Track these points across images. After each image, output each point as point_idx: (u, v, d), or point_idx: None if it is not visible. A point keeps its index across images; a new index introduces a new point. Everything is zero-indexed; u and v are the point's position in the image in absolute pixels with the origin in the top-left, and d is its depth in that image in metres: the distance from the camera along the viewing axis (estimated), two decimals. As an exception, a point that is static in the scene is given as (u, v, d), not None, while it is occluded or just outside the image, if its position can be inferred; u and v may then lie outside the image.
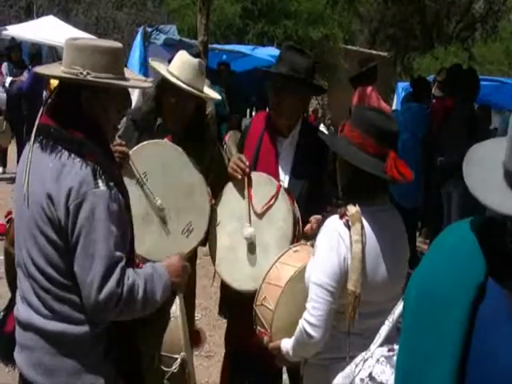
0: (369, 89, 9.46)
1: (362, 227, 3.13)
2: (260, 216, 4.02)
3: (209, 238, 4.18)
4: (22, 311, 3.06)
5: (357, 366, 2.62)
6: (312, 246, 3.44)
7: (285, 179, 4.17)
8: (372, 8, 25.11)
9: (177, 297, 3.24)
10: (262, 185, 4.03)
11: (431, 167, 8.80)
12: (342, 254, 3.13)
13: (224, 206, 4.16)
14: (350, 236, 3.11)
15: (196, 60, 4.33)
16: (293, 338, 3.35)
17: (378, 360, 2.54)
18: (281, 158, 4.22)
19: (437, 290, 1.91)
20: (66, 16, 27.34)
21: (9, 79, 12.98)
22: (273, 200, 3.97)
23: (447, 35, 27.56)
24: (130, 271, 2.91)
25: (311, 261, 3.29)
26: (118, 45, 3.18)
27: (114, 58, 3.09)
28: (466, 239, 1.87)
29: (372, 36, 27.03)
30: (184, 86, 4.16)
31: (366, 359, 2.59)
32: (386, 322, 2.68)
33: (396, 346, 2.51)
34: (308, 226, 3.90)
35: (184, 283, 3.32)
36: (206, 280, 8.44)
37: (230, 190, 4.14)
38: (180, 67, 4.24)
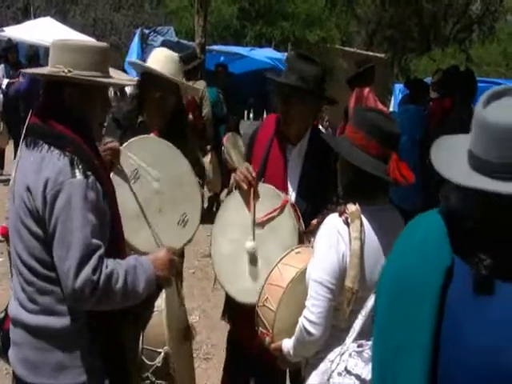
0: (366, 90, 9.45)
1: (362, 225, 3.15)
2: (263, 228, 3.97)
3: (211, 244, 4.16)
4: (12, 308, 3.13)
5: (333, 361, 2.68)
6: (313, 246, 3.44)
7: (292, 189, 4.13)
8: (369, 10, 25.13)
9: (163, 291, 3.23)
10: (269, 198, 3.98)
11: (429, 169, 8.80)
12: (340, 251, 3.15)
13: (228, 214, 4.14)
14: (349, 233, 3.13)
15: (176, 54, 4.49)
16: (293, 337, 3.36)
17: (350, 354, 2.62)
18: (289, 167, 4.16)
19: (408, 279, 1.99)
20: (64, 17, 27.31)
21: (5, 81, 12.96)
22: (276, 212, 3.92)
23: (444, 37, 27.58)
24: (110, 261, 2.93)
25: (311, 260, 3.31)
26: (102, 44, 3.31)
27: (97, 56, 3.17)
28: (432, 228, 1.98)
29: (369, 37, 27.05)
30: (172, 77, 4.24)
31: (342, 353, 2.66)
32: (360, 316, 2.76)
33: (365, 342, 2.62)
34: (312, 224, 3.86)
35: (171, 277, 3.32)
36: (205, 282, 8.47)
37: (235, 198, 4.10)
38: (162, 61, 4.32)
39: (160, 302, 3.19)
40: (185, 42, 17.22)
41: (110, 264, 2.92)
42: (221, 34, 28.82)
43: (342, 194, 3.39)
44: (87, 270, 2.82)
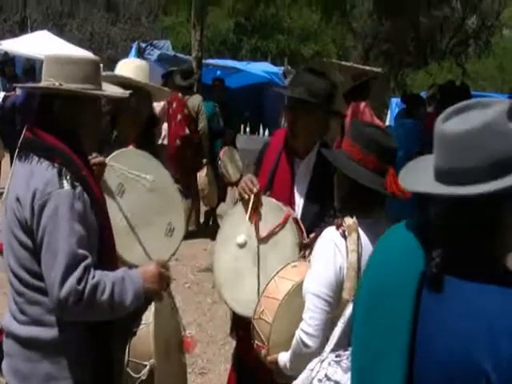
0: (362, 104, 9.46)
1: (359, 237, 3.16)
2: (264, 242, 3.96)
3: (213, 255, 4.19)
4: (5, 319, 3.14)
5: (313, 370, 2.70)
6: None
7: (299, 202, 4.12)
8: (366, 24, 25.21)
9: (152, 304, 3.20)
10: (271, 211, 3.96)
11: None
12: (338, 264, 3.15)
13: (229, 228, 4.13)
14: (347, 246, 3.14)
15: (144, 62, 4.55)
16: (290, 349, 3.35)
17: (329, 363, 2.65)
18: (296, 180, 4.14)
19: (383, 286, 2.05)
20: (60, 31, 27.38)
21: (2, 94, 12.96)
22: (278, 228, 3.90)
23: (441, 51, 27.66)
24: (97, 272, 2.93)
25: (309, 273, 3.30)
26: (93, 57, 3.32)
27: (88, 68, 3.21)
28: (407, 237, 2.05)
29: (365, 52, 27.11)
30: (150, 84, 4.31)
31: (323, 360, 2.69)
32: (339, 324, 2.78)
33: (343, 352, 2.65)
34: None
35: (161, 291, 3.30)
36: (200, 296, 8.47)
37: (238, 209, 4.09)
38: (134, 70, 4.31)
39: (148, 315, 3.18)
40: (181, 55, 17.26)
41: (97, 275, 2.92)
42: (217, 49, 28.91)
43: (338, 207, 3.40)
44: (72, 281, 2.83)
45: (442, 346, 1.87)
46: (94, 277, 2.90)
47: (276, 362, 3.48)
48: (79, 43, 23.12)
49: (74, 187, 2.94)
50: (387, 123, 14.07)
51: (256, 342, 3.66)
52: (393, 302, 1.99)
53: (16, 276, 3.02)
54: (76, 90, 3.13)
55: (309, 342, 3.19)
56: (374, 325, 2.06)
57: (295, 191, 4.14)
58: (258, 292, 3.88)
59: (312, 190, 4.11)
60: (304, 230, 3.90)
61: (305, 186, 4.13)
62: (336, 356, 2.65)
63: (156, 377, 3.15)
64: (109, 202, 3.83)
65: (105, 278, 2.95)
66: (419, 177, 2.02)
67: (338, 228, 3.20)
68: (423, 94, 11.66)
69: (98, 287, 2.90)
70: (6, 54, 14.81)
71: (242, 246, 4.01)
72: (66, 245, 2.86)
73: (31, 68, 13.51)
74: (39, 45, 18.29)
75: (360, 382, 2.13)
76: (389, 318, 2.00)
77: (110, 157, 3.96)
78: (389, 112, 17.11)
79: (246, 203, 4.01)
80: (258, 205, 3.97)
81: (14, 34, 26.06)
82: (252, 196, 3.94)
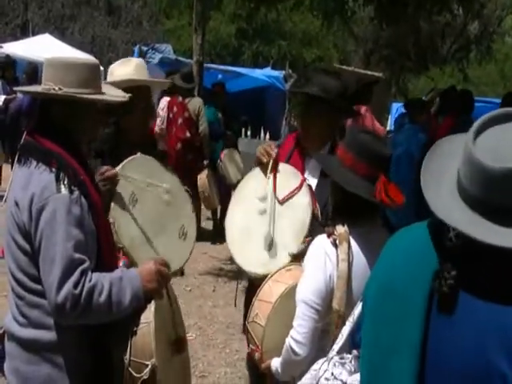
0: (363, 109, 9.45)
1: (349, 247, 3.16)
2: (281, 203, 4.00)
3: (227, 215, 4.24)
4: (7, 321, 3.15)
5: (319, 369, 2.70)
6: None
7: None
8: (367, 29, 25.19)
9: (152, 302, 3.19)
10: (288, 174, 4.02)
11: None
12: (327, 273, 3.16)
13: (246, 188, 4.21)
14: (337, 255, 3.14)
15: (141, 60, 4.50)
16: (281, 356, 3.37)
17: (334, 364, 2.66)
18: (306, 178, 4.16)
19: (395, 282, 2.04)
20: (62, 34, 27.39)
21: (2, 97, 12.94)
22: (296, 191, 3.95)
23: (442, 56, 27.63)
24: (94, 274, 2.93)
25: (300, 279, 3.31)
26: (93, 60, 3.32)
27: (87, 72, 3.22)
28: (419, 238, 2.03)
29: (367, 57, 27.10)
30: (158, 80, 4.28)
31: (331, 358, 2.69)
32: (347, 323, 2.75)
33: (346, 355, 2.66)
34: None
35: (161, 289, 3.28)
36: (201, 300, 8.46)
37: (255, 173, 4.16)
38: (137, 69, 4.28)
39: (148, 314, 3.17)
40: (183, 59, 17.26)
41: (94, 277, 2.92)
42: (219, 53, 28.92)
43: (330, 214, 3.40)
44: (68, 286, 2.84)
45: (455, 345, 1.87)
46: (90, 280, 2.90)
47: (270, 368, 3.51)
48: (81, 47, 23.12)
49: (71, 192, 2.96)
50: (388, 128, 14.05)
51: (250, 345, 3.68)
52: (405, 298, 1.99)
53: (16, 279, 3.03)
54: (75, 94, 3.13)
55: (298, 349, 3.21)
56: (385, 320, 2.06)
57: None
58: (269, 251, 3.94)
59: (320, 187, 4.13)
60: (316, 199, 3.96)
61: (313, 183, 4.16)
62: (340, 358, 2.65)
63: (158, 376, 3.14)
64: (125, 215, 3.84)
65: (102, 280, 2.95)
66: (448, 201, 1.92)
67: (329, 236, 3.21)
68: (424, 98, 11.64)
69: (94, 290, 2.90)
70: (7, 56, 14.80)
71: (256, 205, 4.07)
72: (63, 250, 2.87)
73: (34, 71, 13.46)
74: (41, 48, 18.29)
75: (371, 378, 2.13)
76: (400, 313, 1.99)
77: (120, 166, 3.94)
78: (390, 117, 17.10)
79: (263, 167, 4.07)
80: (275, 168, 4.02)
81: (15, 37, 26.07)
82: (271, 160, 4.00)
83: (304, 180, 3.97)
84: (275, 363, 3.46)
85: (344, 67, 21.52)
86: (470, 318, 1.85)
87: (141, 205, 3.95)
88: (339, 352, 2.74)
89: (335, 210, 3.40)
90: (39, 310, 2.99)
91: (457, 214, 1.86)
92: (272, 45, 30.71)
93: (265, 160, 4.04)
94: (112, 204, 3.80)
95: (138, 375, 3.11)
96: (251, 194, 4.13)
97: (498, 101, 15.05)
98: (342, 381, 2.57)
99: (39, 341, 3.01)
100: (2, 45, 19.29)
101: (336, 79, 4.13)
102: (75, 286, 2.84)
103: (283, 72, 18.40)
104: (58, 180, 2.95)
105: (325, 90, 4.04)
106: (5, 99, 12.86)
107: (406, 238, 2.12)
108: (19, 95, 12.49)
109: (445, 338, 1.89)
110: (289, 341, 3.26)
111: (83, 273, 2.88)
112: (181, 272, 4.26)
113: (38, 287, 2.96)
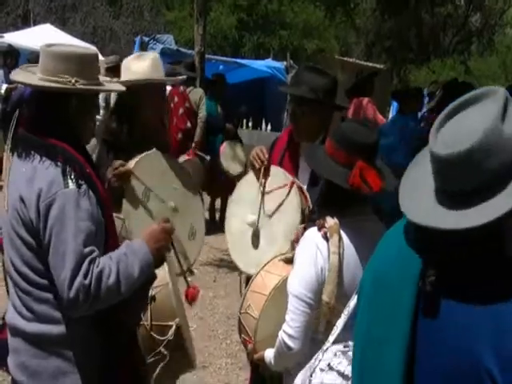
0: (365, 100, 9.46)
1: (340, 239, 3.15)
2: (271, 206, 4.08)
3: (225, 222, 4.36)
4: (9, 316, 3.13)
5: (316, 358, 2.70)
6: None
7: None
8: (368, 20, 25.18)
9: (165, 263, 3.24)
10: (278, 178, 4.07)
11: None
12: (319, 266, 3.15)
13: (240, 193, 4.32)
14: (328, 248, 3.13)
15: (157, 54, 4.45)
16: (274, 348, 3.38)
17: (335, 354, 2.66)
18: (300, 173, 4.24)
19: (386, 276, 2.07)
20: (63, 25, 27.30)
21: (4, 86, 12.90)
22: (284, 188, 4.01)
23: (443, 48, 27.63)
24: (100, 259, 2.93)
25: (291, 273, 3.32)
26: (94, 50, 3.29)
27: (94, 64, 3.20)
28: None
29: (368, 48, 27.08)
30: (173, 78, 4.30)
31: (326, 350, 2.69)
32: (342, 315, 2.75)
33: (351, 343, 2.60)
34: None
35: (168, 242, 3.33)
36: (202, 290, 8.44)
37: (248, 178, 4.27)
38: (153, 65, 4.26)
39: (164, 275, 3.20)
40: (184, 50, 17.24)
41: (101, 262, 2.92)
42: (220, 44, 28.87)
43: (318, 205, 3.42)
44: (79, 279, 2.84)
45: (444, 341, 1.88)
46: (98, 265, 2.90)
47: (263, 359, 3.51)
48: (82, 37, 23.04)
49: (79, 186, 2.94)
50: (390, 119, 14.03)
51: (243, 336, 3.69)
52: (394, 292, 2.01)
53: (20, 274, 3.01)
54: (93, 87, 3.12)
55: (291, 343, 3.21)
56: (377, 311, 2.08)
57: (299, 179, 4.20)
58: (260, 253, 4.05)
59: (313, 183, 4.13)
60: (308, 198, 4.00)
61: (306, 179, 4.19)
62: (344, 346, 2.65)
63: (184, 334, 3.22)
64: (138, 210, 3.85)
65: (108, 262, 2.95)
66: (420, 201, 1.96)
67: (319, 229, 3.20)
68: (425, 91, 11.61)
69: (102, 274, 2.90)
70: (9, 46, 14.76)
71: (248, 209, 4.18)
72: (74, 246, 2.86)
73: (38, 61, 13.42)
74: (42, 38, 18.24)
75: (361, 365, 2.15)
76: (391, 305, 2.01)
77: (133, 161, 3.93)
78: (391, 108, 17.08)
79: (256, 172, 4.16)
80: (266, 170, 4.10)
81: (16, 27, 25.96)
82: (262, 167, 4.10)
83: (293, 182, 4.01)
84: (269, 354, 3.47)
85: (345, 58, 21.53)
86: (453, 317, 1.86)
87: (154, 201, 3.96)
88: (337, 341, 2.75)
89: (323, 201, 3.41)
90: (46, 305, 2.98)
91: (420, 209, 1.93)
92: (273, 36, 30.65)
93: (257, 166, 4.12)
94: (124, 200, 3.81)
95: (163, 338, 3.14)
96: (245, 200, 4.25)
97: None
98: (338, 371, 2.58)
99: (47, 335, 3.00)
100: (3, 34, 19.25)
101: (324, 77, 4.15)
102: (85, 276, 2.85)
103: (284, 63, 18.39)
104: (64, 175, 2.92)
105: (312, 89, 4.06)
106: (6, 88, 12.81)
107: (399, 232, 2.11)
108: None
109: (432, 335, 1.91)
110: (281, 335, 3.26)
111: (91, 261, 2.89)
112: (190, 271, 4.29)
113: (45, 282, 2.96)
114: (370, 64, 20.15)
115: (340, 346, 2.67)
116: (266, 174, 4.11)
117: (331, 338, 2.76)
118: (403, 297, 1.97)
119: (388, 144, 8.48)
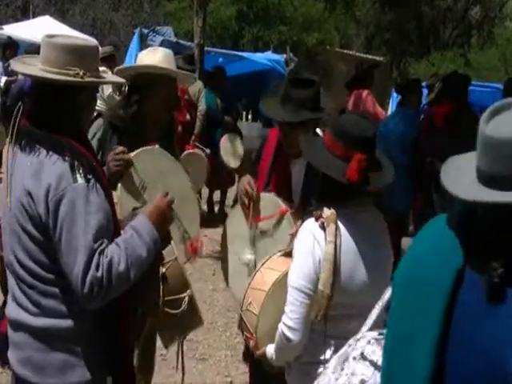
0: (364, 93, 9.46)
1: (337, 228, 3.15)
2: (264, 237, 4.07)
3: (221, 256, 4.36)
4: (11, 310, 3.13)
5: (350, 346, 2.66)
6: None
7: (296, 198, 4.21)
8: (369, 13, 25.13)
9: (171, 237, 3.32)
10: (271, 208, 4.05)
11: (424, 173, 8.70)
12: (316, 256, 3.17)
13: (232, 227, 4.28)
14: (325, 238, 3.14)
15: (170, 50, 4.48)
16: (274, 342, 3.39)
17: (369, 341, 2.60)
18: (293, 177, 4.25)
19: (420, 273, 2.07)
20: (63, 16, 27.25)
21: (3, 78, 12.87)
22: (274, 219, 4.01)
23: (443, 41, 27.59)
24: (108, 248, 2.95)
25: (291, 265, 3.32)
26: (95, 41, 3.28)
27: (97, 55, 3.21)
28: (445, 232, 2.04)
29: (368, 40, 27.05)
30: (184, 73, 4.44)
31: (359, 339, 2.64)
32: (376, 306, 2.73)
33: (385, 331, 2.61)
34: None
35: (170, 215, 3.41)
36: (201, 283, 8.48)
37: (237, 212, 4.25)
38: (164, 58, 4.28)
39: (171, 249, 3.26)
40: (184, 42, 17.19)
41: (109, 251, 2.95)
42: (219, 36, 28.80)
43: (317, 197, 3.42)
44: (91, 272, 2.86)
45: (480, 348, 1.88)
46: (107, 255, 2.92)
47: (265, 355, 3.53)
48: (81, 29, 22.99)
49: (87, 180, 2.94)
50: (389, 112, 14.02)
51: (245, 333, 3.70)
52: (427, 290, 2.01)
53: (25, 268, 3.01)
54: (99, 80, 3.14)
55: (290, 335, 3.22)
56: (408, 308, 2.09)
57: (292, 187, 4.25)
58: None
59: (307, 185, 4.17)
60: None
61: (300, 183, 4.21)
62: (379, 334, 2.61)
63: (194, 300, 3.34)
64: (128, 195, 3.84)
65: (116, 249, 2.97)
66: (461, 177, 2.00)
67: (317, 219, 3.21)
68: (424, 84, 11.56)
69: (112, 262, 2.92)
70: (9, 38, 14.73)
71: (242, 246, 4.18)
72: (85, 240, 2.87)
73: (37, 52, 13.38)
74: (41, 30, 18.20)
75: (390, 360, 2.17)
76: (422, 304, 2.02)
77: (134, 154, 3.93)
78: (391, 100, 17.05)
79: (246, 207, 4.15)
80: (255, 207, 4.09)
81: (16, 19, 25.92)
82: (251, 202, 4.10)
83: (285, 210, 4.00)
84: (270, 350, 3.48)
85: (345, 51, 21.51)
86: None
87: (150, 194, 3.95)
88: (376, 325, 2.72)
89: (321, 193, 3.41)
90: (53, 299, 3.00)
91: (464, 187, 1.96)
92: (272, 30, 30.57)
93: (246, 202, 4.12)
94: (119, 185, 3.81)
95: (177, 311, 3.23)
96: (237, 234, 4.25)
97: (499, 86, 15.06)
98: (371, 361, 2.52)
99: (55, 329, 3.01)
100: (3, 26, 19.22)
101: (310, 88, 4.14)
102: (97, 268, 2.87)
103: (284, 56, 18.35)
104: (73, 169, 2.92)
105: (301, 106, 4.07)
106: (6, 80, 12.77)
107: (435, 230, 2.13)
108: (20, 76, 12.40)
109: (468, 337, 1.92)
110: (281, 327, 3.27)
111: (101, 253, 2.91)
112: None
113: (51, 276, 2.97)
114: (370, 56, 20.15)
115: (374, 333, 2.62)
116: (256, 208, 4.10)
117: (364, 329, 2.72)
118: (432, 299, 1.98)
119: (387, 137, 8.49)
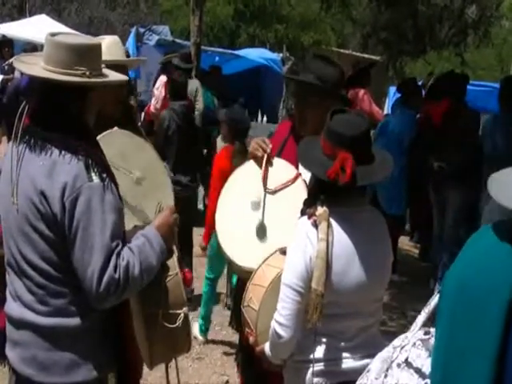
0: (361, 92, 9.47)
1: (329, 226, 3.15)
2: (273, 196, 3.97)
3: (216, 213, 4.14)
4: (14, 309, 3.10)
5: (395, 350, 2.61)
6: None
7: None
8: (365, 12, 25.13)
9: (174, 251, 3.31)
10: (282, 169, 3.99)
11: (422, 172, 8.69)
12: (308, 254, 3.17)
13: (238, 182, 4.15)
14: (318, 236, 3.14)
15: (115, 37, 4.44)
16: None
17: (414, 344, 2.54)
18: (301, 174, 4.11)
19: (473, 287, 2.01)
20: (59, 15, 27.24)
21: (0, 77, 12.84)
22: (289, 183, 3.92)
23: (440, 40, 27.59)
24: (123, 251, 2.95)
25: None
26: (98, 40, 3.26)
27: (100, 54, 3.15)
28: (499, 241, 1.99)
29: (365, 40, 27.05)
30: (126, 59, 4.30)
31: (403, 346, 2.58)
32: (422, 313, 2.67)
33: (432, 329, 2.52)
34: None
35: (174, 233, 3.37)
36: (197, 282, 8.46)
37: (247, 166, 4.12)
38: (109, 48, 4.19)
39: (173, 264, 3.27)
40: (180, 41, 17.20)
41: (125, 255, 2.95)
42: (216, 35, 28.82)
43: (310, 195, 3.43)
44: (109, 272, 2.87)
45: None
46: (123, 258, 2.93)
47: (263, 352, 3.53)
48: (78, 28, 22.94)
49: (102, 179, 2.94)
50: (385, 112, 14.03)
51: (246, 329, 3.70)
52: (481, 305, 1.97)
53: (35, 268, 2.99)
54: (105, 79, 3.11)
55: (281, 331, 3.24)
56: (461, 322, 2.04)
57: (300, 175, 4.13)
58: (263, 246, 3.88)
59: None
60: None
61: (307, 175, 4.11)
62: (425, 333, 2.56)
63: (188, 321, 3.30)
64: None
65: (131, 254, 2.98)
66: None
67: (309, 217, 3.22)
68: (420, 82, 11.59)
69: (129, 266, 2.93)
70: (3, 36, 14.70)
71: (252, 202, 4.02)
72: (101, 240, 2.88)
73: (34, 50, 13.36)
74: (37, 29, 18.17)
75: (444, 376, 2.10)
76: (476, 319, 1.98)
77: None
78: (387, 100, 17.07)
79: (257, 161, 4.04)
80: (269, 160, 3.99)
81: (12, 18, 25.89)
82: (265, 155, 3.98)
83: (299, 174, 3.93)
84: (267, 347, 3.49)
85: (342, 50, 21.50)
86: None
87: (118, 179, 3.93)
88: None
89: (312, 191, 3.44)
90: (64, 298, 2.99)
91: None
92: (269, 29, 30.59)
93: (259, 154, 4.01)
94: None
95: (173, 325, 3.21)
96: (243, 188, 4.10)
97: (496, 85, 15.07)
98: (416, 369, 2.47)
99: (64, 328, 3.01)
100: (-2, 25, 19.20)
101: (334, 67, 4.06)
102: (114, 269, 2.88)
103: (281, 54, 18.36)
104: (88, 168, 2.91)
105: (321, 78, 3.98)
106: (2, 79, 12.75)
107: (489, 238, 2.07)
108: (17, 74, 12.38)
109: None
110: (273, 324, 3.30)
111: (118, 255, 2.92)
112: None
113: (63, 276, 2.97)
114: (367, 56, 20.13)
115: (420, 334, 2.58)
116: (269, 163, 4.00)
117: (410, 335, 2.65)
118: (489, 312, 1.94)
119: (387, 137, 8.50)
